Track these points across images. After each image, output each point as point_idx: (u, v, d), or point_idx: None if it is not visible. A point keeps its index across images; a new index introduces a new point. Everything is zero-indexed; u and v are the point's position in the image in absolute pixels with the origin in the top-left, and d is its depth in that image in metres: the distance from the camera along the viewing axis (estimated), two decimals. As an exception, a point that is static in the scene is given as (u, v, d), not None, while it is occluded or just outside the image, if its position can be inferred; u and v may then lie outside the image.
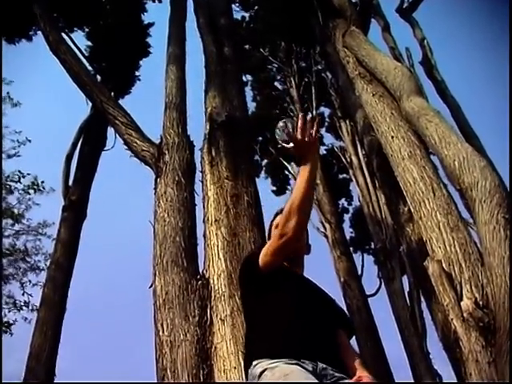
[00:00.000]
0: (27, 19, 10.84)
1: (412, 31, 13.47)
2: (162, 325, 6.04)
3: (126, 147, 8.62)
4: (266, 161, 20.33)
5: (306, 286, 2.81)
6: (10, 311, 15.53)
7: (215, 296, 6.17)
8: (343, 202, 19.93)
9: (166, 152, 7.94)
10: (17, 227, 16.29)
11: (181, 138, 8.17)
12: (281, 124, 2.59)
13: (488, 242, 4.42)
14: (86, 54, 13.88)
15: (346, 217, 19.56)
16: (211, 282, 6.35)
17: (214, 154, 7.87)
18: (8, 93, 16.24)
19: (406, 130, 6.74)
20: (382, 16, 13.65)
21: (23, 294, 15.95)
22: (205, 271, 6.58)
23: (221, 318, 5.93)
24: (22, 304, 15.53)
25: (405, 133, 6.61)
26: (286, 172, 19.53)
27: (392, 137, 6.63)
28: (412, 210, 6.08)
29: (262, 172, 20.24)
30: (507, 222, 4.48)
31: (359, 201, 17.46)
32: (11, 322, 15.32)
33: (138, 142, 8.39)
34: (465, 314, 4.66)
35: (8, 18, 11.04)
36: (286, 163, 19.31)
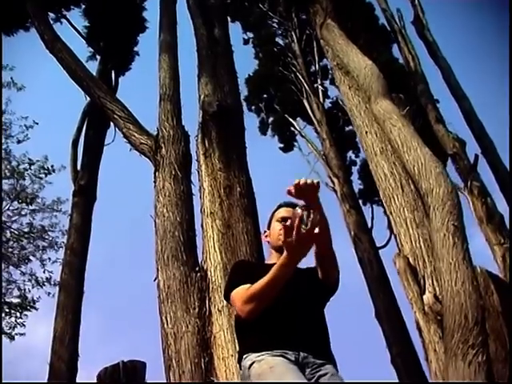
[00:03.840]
0: (23, 14, 11.04)
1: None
2: (166, 318, 6.64)
3: (125, 140, 9.06)
4: (271, 118, 20.42)
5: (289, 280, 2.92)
6: (33, 287, 16.22)
7: (212, 287, 6.73)
8: (350, 154, 19.96)
9: (163, 145, 8.33)
10: (32, 206, 16.80)
11: (176, 131, 8.52)
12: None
13: (438, 248, 4.79)
14: (84, 36, 14.08)
15: (354, 169, 19.62)
16: (209, 273, 6.90)
17: (207, 144, 8.26)
18: (12, 78, 16.40)
19: (379, 126, 6.96)
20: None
21: (44, 272, 16.46)
22: (203, 263, 7.12)
23: (218, 309, 6.51)
24: (44, 280, 16.17)
25: (378, 128, 6.92)
26: (292, 128, 19.67)
27: (366, 132, 6.96)
28: (384, 205, 6.49)
29: (269, 130, 20.36)
30: (456, 229, 4.86)
31: (366, 152, 17.58)
32: (35, 299, 16.14)
33: (136, 135, 8.76)
34: (425, 308, 5.16)
35: (3, 13, 11.23)
36: (291, 120, 19.48)
